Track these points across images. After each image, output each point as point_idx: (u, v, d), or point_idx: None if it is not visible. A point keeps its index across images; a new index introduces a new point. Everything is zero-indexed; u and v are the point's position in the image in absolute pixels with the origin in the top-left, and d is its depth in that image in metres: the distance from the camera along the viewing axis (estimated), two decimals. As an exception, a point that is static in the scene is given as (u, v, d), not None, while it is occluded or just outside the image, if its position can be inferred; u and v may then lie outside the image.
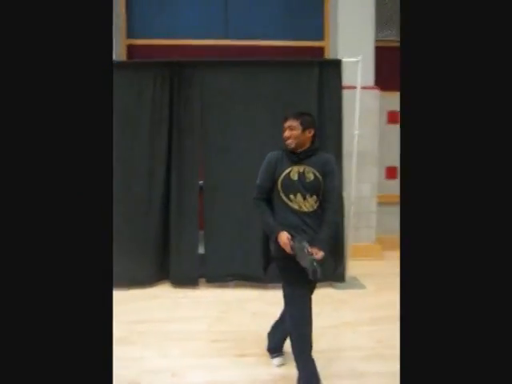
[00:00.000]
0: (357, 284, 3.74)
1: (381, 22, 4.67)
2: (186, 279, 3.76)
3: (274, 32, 4.71)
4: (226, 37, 4.65)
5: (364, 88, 3.86)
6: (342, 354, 2.59)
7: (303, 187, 2.13)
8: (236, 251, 3.78)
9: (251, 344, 2.68)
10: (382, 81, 4.48)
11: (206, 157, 3.81)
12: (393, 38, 4.85)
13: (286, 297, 2.21)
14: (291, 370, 2.38)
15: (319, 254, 2.02)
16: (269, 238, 2.23)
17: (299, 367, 2.17)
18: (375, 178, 4.49)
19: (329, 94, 3.73)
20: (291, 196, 2.14)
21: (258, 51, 4.63)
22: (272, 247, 2.21)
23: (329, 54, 4.67)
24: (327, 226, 2.16)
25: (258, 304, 3.36)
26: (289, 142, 2.19)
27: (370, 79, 4.32)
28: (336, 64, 3.75)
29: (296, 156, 2.18)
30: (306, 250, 1.97)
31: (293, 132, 2.18)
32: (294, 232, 2.10)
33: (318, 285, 3.75)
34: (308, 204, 2.14)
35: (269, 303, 3.36)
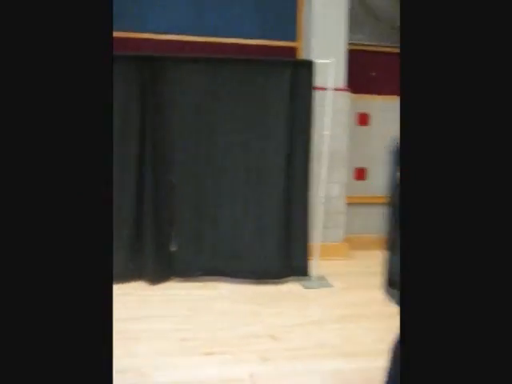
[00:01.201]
0: (324, 283, 3.80)
1: (354, 26, 4.74)
2: (157, 276, 3.74)
3: (248, 30, 4.71)
4: (199, 33, 4.61)
5: (335, 90, 3.92)
6: (309, 351, 2.63)
7: None
8: (205, 247, 3.82)
9: (219, 342, 2.68)
10: (353, 83, 4.55)
11: (176, 154, 3.79)
12: (365, 41, 4.94)
13: None
14: (260, 368, 2.41)
15: None
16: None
17: None
18: (344, 179, 4.56)
19: (300, 95, 3.77)
20: None
21: (230, 49, 4.61)
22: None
23: (301, 55, 4.70)
24: None
25: (226, 302, 3.36)
26: None
27: (342, 81, 4.38)
28: (308, 65, 3.79)
29: None
30: None
31: None
32: None
33: (284, 282, 3.80)
34: None
35: (237, 302, 3.37)
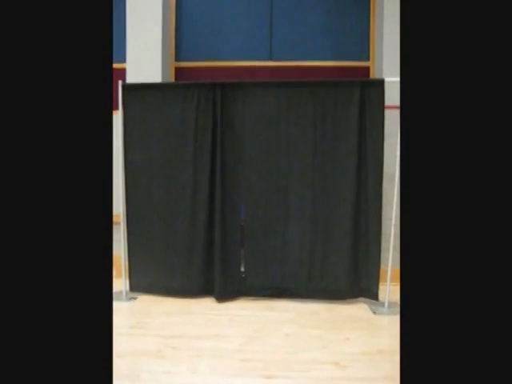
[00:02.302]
0: (396, 310, 3.60)
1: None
2: (225, 295, 3.85)
3: (321, 52, 4.73)
4: (271, 58, 4.72)
5: (408, 108, 3.78)
6: (374, 383, 2.48)
7: None
8: (274, 267, 3.88)
9: (280, 366, 2.63)
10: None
11: (246, 176, 3.89)
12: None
13: None
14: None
15: None
16: None
17: None
18: (421, 201, 4.34)
19: (371, 114, 3.70)
20: None
21: (303, 72, 4.66)
22: None
23: (374, 74, 4.62)
24: None
25: (292, 325, 3.31)
26: None
27: (416, 99, 4.22)
28: (379, 84, 3.71)
29: None
30: None
31: None
32: None
33: (354, 306, 3.66)
34: None
35: (303, 325, 3.31)
